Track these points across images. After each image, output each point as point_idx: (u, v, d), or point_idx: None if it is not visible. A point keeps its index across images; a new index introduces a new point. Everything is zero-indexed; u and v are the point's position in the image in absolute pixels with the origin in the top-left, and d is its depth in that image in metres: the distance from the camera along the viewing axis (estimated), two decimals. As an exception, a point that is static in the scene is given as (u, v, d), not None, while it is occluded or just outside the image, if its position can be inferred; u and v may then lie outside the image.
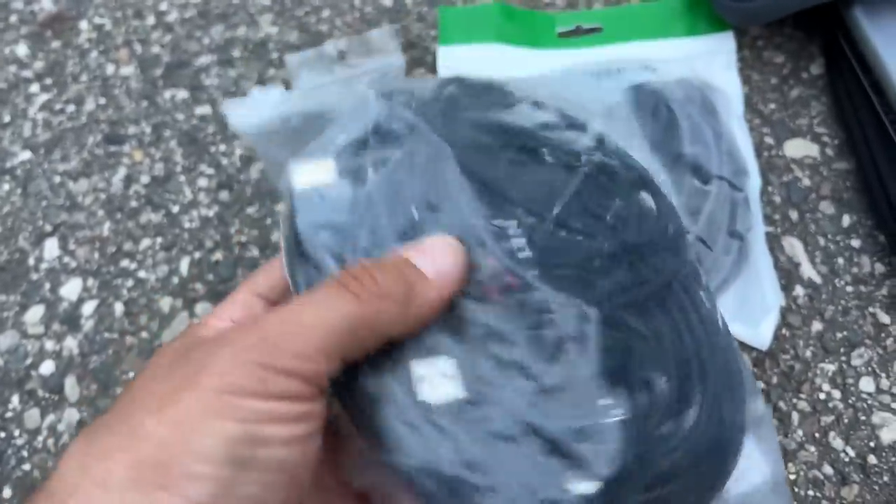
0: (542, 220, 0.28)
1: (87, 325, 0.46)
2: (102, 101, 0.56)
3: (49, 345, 0.46)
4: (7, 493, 0.41)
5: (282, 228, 0.27)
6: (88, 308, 0.47)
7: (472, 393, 0.25)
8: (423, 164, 0.28)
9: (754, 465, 0.29)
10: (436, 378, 0.25)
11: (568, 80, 0.35)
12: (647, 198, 0.31)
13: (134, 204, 0.51)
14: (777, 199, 0.46)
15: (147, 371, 0.24)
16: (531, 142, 0.31)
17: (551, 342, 0.26)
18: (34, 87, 0.58)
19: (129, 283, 0.48)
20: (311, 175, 0.28)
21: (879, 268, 0.43)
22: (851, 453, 0.38)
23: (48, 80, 0.58)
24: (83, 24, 0.61)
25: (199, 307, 0.46)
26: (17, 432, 0.43)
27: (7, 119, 0.56)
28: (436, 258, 0.25)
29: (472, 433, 0.24)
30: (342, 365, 0.23)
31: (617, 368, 0.26)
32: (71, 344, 0.46)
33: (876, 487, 0.37)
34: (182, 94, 0.56)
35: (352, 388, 0.25)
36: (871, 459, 0.38)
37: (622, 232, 0.29)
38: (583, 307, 0.27)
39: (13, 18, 0.62)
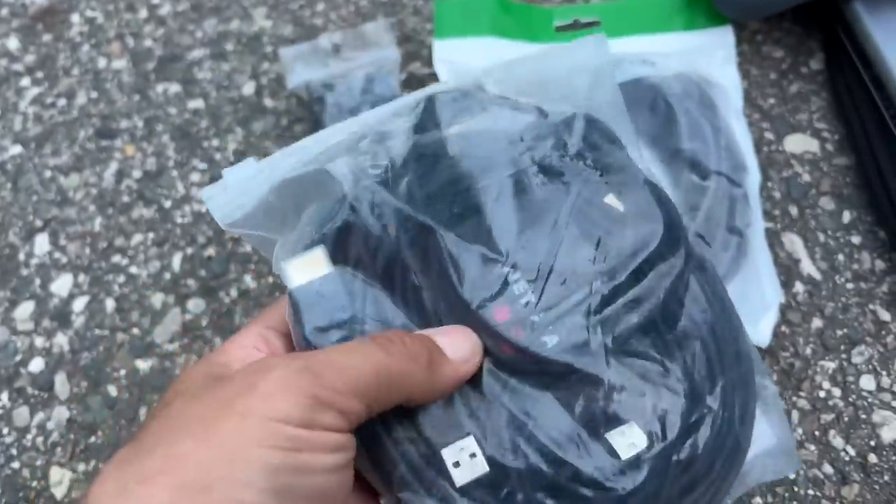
0: (539, 266, 0.28)
1: (78, 321, 0.46)
2: (94, 94, 0.55)
3: (39, 341, 0.45)
4: (-5, 491, 0.41)
5: (291, 326, 0.28)
6: (79, 304, 0.46)
7: (494, 465, 0.26)
8: (407, 243, 0.28)
9: (760, 434, 0.29)
10: (464, 460, 0.26)
11: (548, 55, 0.33)
12: (641, 196, 0.30)
13: (126, 199, 0.50)
14: (777, 194, 0.46)
15: (183, 395, 0.24)
16: (512, 167, 0.30)
17: (561, 398, 0.26)
18: (25, 81, 0.57)
19: (121, 278, 0.47)
20: (305, 270, 0.29)
21: (880, 264, 0.43)
22: (852, 452, 0.37)
23: (39, 74, 0.57)
24: (75, 18, 0.60)
25: (192, 303, 0.45)
26: (5, 430, 0.42)
27: (-3, 113, 0.55)
28: (453, 341, 0.26)
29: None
30: (368, 414, 0.24)
31: (627, 409, 0.26)
32: (61, 340, 0.45)
33: (876, 487, 0.36)
34: (175, 87, 0.55)
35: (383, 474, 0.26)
36: (872, 458, 0.37)
37: (616, 254, 0.28)
38: (590, 363, 0.26)
39: (4, 11, 0.61)
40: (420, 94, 0.32)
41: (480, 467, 0.25)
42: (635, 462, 0.26)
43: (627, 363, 0.27)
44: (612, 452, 0.26)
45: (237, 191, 0.29)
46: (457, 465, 0.25)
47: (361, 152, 0.30)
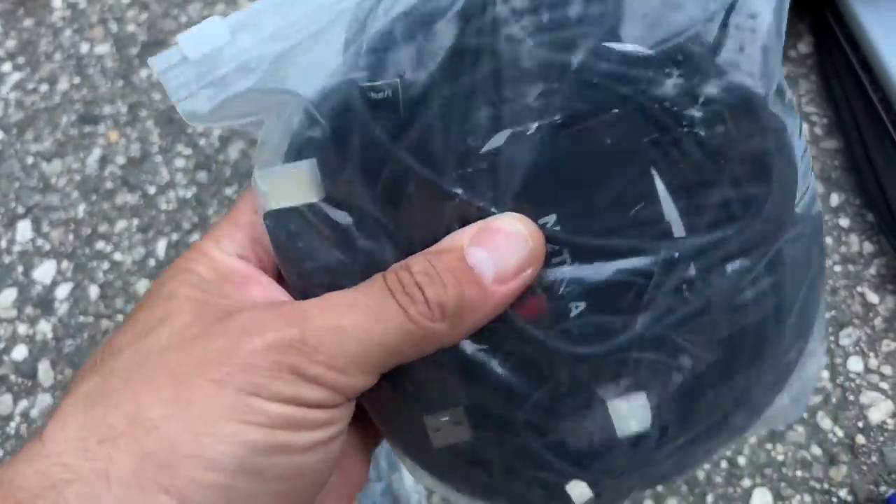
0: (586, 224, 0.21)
1: (62, 308, 0.45)
2: (77, 80, 0.55)
3: (22, 329, 0.45)
4: (-22, 480, 0.40)
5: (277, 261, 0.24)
6: (62, 291, 0.46)
7: (480, 438, 0.24)
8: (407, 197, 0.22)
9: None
10: (448, 426, 0.23)
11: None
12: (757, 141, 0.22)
13: (109, 185, 0.50)
14: (765, 178, 0.46)
15: (165, 330, 0.20)
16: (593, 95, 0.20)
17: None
18: (6, 67, 0.56)
19: (105, 265, 0.46)
20: (284, 191, 0.22)
21: (868, 247, 0.43)
22: (840, 433, 0.37)
23: (21, 59, 0.56)
24: (56, 2, 0.59)
25: (177, 290, 0.45)
26: (-12, 418, 0.42)
27: (-22, 99, 0.55)
28: (500, 251, 0.20)
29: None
30: (378, 378, 0.21)
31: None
32: (44, 328, 0.45)
33: (864, 468, 0.36)
34: (159, 73, 0.54)
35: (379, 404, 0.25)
36: (860, 439, 0.37)
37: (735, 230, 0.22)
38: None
39: (-16, -4, 0.60)
40: None
41: (462, 434, 0.23)
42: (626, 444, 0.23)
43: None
44: (607, 424, 0.23)
45: (202, 68, 0.21)
46: (437, 430, 0.23)
47: (360, 51, 0.21)
